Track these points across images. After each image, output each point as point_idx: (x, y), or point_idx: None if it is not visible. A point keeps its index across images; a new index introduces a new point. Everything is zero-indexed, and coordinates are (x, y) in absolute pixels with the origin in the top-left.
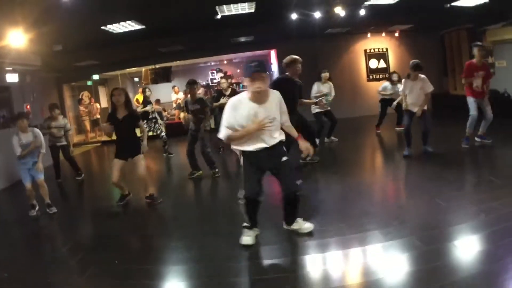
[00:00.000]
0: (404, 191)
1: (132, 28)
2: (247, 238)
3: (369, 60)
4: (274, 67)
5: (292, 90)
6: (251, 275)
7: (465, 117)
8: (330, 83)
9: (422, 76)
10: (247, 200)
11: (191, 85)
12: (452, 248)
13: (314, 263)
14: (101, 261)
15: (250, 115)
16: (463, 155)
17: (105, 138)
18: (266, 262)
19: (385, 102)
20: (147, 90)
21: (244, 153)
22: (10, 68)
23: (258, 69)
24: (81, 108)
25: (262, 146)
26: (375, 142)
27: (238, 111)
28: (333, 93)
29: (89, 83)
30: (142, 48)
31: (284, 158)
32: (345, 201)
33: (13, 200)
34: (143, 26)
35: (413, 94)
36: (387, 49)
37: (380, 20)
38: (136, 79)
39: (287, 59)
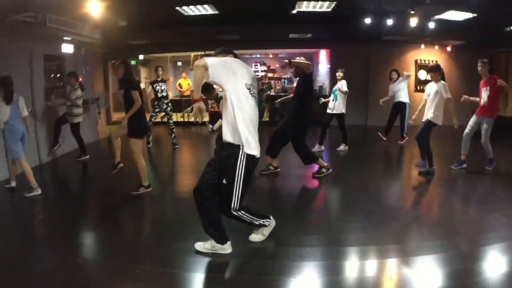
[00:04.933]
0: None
1: (205, 12)
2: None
3: (418, 71)
4: (323, 67)
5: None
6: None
7: (499, 137)
8: (341, 82)
9: (443, 82)
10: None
11: (206, 89)
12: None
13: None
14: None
15: None
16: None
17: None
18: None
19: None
20: (159, 69)
21: None
22: (69, 38)
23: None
24: None
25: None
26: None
27: None
28: (341, 88)
29: (133, 62)
30: (199, 33)
31: (224, 181)
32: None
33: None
34: (217, 12)
35: (429, 100)
36: (437, 62)
37: (442, 33)
38: (179, 63)
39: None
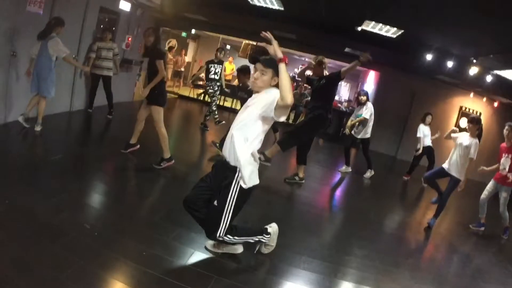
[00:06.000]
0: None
1: (270, 6)
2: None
3: (460, 118)
4: (368, 87)
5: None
6: None
7: None
8: (368, 104)
9: (477, 139)
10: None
11: (242, 71)
12: None
13: None
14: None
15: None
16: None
17: (183, 92)
18: None
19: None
20: (220, 51)
21: None
22: None
23: (263, 61)
24: (169, 55)
25: (223, 154)
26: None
27: None
28: (365, 115)
29: (183, 34)
30: (256, 24)
31: (215, 202)
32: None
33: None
34: (282, 8)
35: (458, 152)
36: (480, 114)
37: (494, 87)
38: (228, 47)
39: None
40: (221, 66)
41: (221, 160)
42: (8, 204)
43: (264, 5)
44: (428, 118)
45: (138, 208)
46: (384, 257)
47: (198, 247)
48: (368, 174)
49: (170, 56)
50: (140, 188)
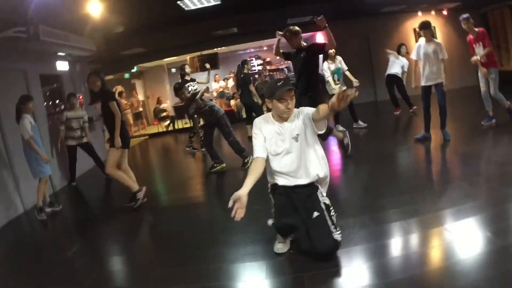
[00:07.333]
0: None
1: (207, 4)
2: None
3: (418, 39)
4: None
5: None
6: None
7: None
8: (339, 58)
9: (437, 40)
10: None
11: (180, 88)
12: None
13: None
14: None
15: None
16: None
17: (151, 130)
18: None
19: (391, 79)
20: (186, 67)
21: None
22: (63, 54)
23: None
24: (123, 101)
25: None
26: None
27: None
28: (345, 67)
29: (126, 75)
30: (195, 32)
31: (314, 214)
32: None
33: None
34: (219, 2)
35: (428, 62)
36: (434, 28)
37: None
38: (174, 70)
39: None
40: (195, 82)
41: (289, 188)
42: None
43: (200, 6)
44: (403, 49)
45: (175, 251)
46: (420, 188)
47: (264, 256)
48: (361, 123)
49: (123, 101)
50: (164, 231)
